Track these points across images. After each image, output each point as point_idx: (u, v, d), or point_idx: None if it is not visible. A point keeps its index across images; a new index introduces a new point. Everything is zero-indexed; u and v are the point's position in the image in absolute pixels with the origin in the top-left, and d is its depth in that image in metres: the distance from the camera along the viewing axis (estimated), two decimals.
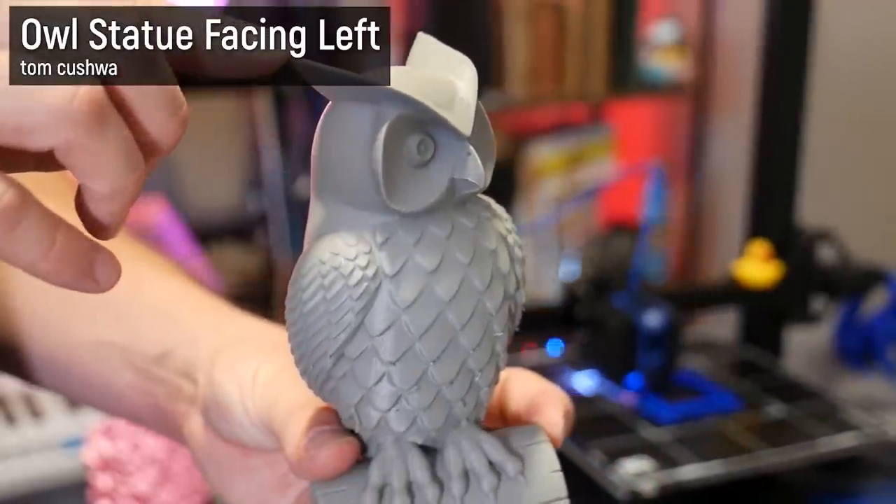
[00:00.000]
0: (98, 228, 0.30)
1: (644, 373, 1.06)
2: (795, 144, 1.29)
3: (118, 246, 0.51)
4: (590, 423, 1.04)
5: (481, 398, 0.35)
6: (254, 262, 2.25)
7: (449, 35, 1.19)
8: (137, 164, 0.29)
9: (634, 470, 0.93)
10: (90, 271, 0.29)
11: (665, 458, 0.96)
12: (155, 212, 1.90)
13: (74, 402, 1.06)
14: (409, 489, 0.34)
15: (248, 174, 2.33)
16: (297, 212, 2.14)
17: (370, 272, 0.32)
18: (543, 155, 2.12)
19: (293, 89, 2.10)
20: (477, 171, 0.32)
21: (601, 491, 0.93)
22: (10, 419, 1.34)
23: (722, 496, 0.98)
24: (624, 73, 2.11)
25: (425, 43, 0.34)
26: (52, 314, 0.49)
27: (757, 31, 1.29)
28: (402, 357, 0.33)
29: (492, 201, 0.36)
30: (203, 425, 0.44)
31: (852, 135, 2.16)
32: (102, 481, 1.13)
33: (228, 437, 0.42)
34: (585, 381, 1.10)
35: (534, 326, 1.16)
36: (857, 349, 1.71)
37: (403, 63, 0.33)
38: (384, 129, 0.31)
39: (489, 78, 1.84)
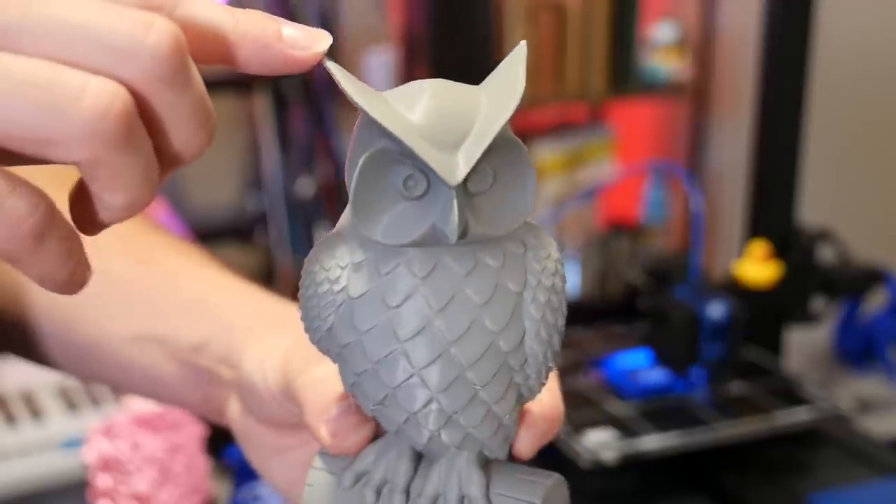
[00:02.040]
0: (93, 227, 0.28)
1: (706, 363, 1.07)
2: (795, 144, 1.29)
3: (153, 240, 0.52)
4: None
5: (505, 425, 0.34)
6: (254, 262, 2.25)
7: (449, 35, 1.18)
8: (156, 178, 0.27)
9: (598, 440, 0.97)
10: (80, 277, 0.28)
11: (627, 430, 1.00)
12: (155, 212, 1.90)
13: (114, 389, 1.06)
14: (382, 487, 0.35)
15: (248, 174, 2.33)
16: (297, 212, 2.14)
17: (337, 287, 0.32)
18: (543, 155, 2.12)
19: (293, 89, 2.10)
20: (452, 226, 0.30)
21: (567, 460, 0.97)
22: (10, 419, 1.34)
23: (681, 466, 1.02)
24: (624, 73, 2.11)
25: (516, 54, 0.32)
26: (87, 309, 0.50)
27: (757, 31, 1.29)
28: (406, 382, 0.32)
29: (539, 231, 0.34)
30: (241, 408, 0.45)
31: (852, 135, 2.16)
32: (102, 481, 1.13)
33: (259, 415, 0.44)
34: (649, 373, 1.11)
35: (597, 318, 1.19)
36: (857, 349, 1.71)
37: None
38: (364, 158, 0.30)
39: None
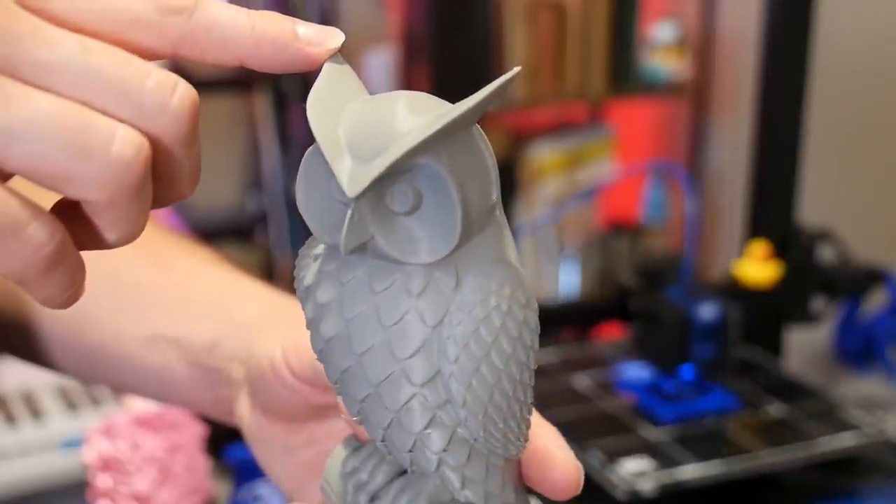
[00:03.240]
0: (89, 247, 0.29)
1: (697, 364, 1.07)
2: (795, 144, 1.29)
3: (164, 242, 0.53)
4: (589, 423, 1.04)
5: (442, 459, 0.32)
6: (254, 262, 2.25)
7: (449, 35, 1.18)
8: (147, 220, 0.29)
9: (634, 469, 0.93)
10: (74, 298, 0.29)
11: (664, 458, 0.96)
12: (154, 211, 1.90)
13: (123, 392, 1.07)
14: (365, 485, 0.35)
15: (248, 174, 2.33)
16: (297, 212, 2.13)
17: (305, 283, 0.33)
18: (543, 155, 2.12)
19: (293, 90, 2.10)
20: (342, 234, 0.29)
21: (601, 491, 0.93)
22: (10, 419, 1.34)
23: (721, 496, 0.98)
24: (624, 73, 2.11)
25: (504, 77, 0.30)
26: (100, 311, 0.50)
27: (757, 31, 1.29)
28: (336, 384, 0.33)
29: (501, 273, 0.31)
30: (250, 406, 0.45)
31: (852, 135, 2.16)
32: (102, 481, 1.13)
33: (268, 407, 0.44)
34: (638, 372, 1.10)
35: (583, 320, 1.18)
36: (857, 349, 1.71)
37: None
38: (306, 153, 0.31)
39: (489, 78, 1.83)
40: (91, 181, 0.26)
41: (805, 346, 1.72)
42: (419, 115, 0.29)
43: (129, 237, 0.29)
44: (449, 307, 0.30)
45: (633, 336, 1.15)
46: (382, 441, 0.32)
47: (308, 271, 0.33)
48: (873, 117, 2.18)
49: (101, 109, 0.26)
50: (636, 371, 1.10)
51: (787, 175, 1.30)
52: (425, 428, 0.31)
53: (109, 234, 0.28)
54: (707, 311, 1.05)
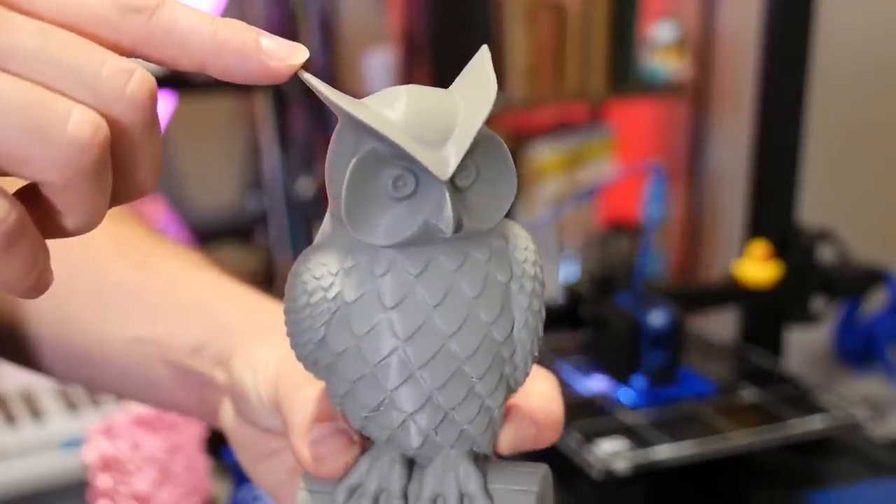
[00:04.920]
0: (49, 234, 0.29)
1: (648, 372, 1.06)
2: (795, 144, 1.29)
3: (150, 244, 0.53)
4: (569, 407, 1.05)
5: (495, 419, 0.35)
6: (254, 262, 2.25)
7: (449, 35, 1.18)
8: (105, 211, 0.29)
9: (610, 450, 0.96)
10: (43, 283, 0.29)
11: (640, 439, 0.99)
12: (155, 212, 1.90)
13: (112, 395, 1.07)
14: (378, 496, 0.35)
15: (248, 174, 2.33)
16: (297, 212, 2.14)
17: (331, 294, 0.33)
18: (543, 155, 2.12)
19: (294, 90, 2.10)
20: (447, 219, 0.30)
21: (578, 470, 0.95)
22: (10, 419, 1.34)
23: (694, 476, 1.00)
24: (624, 73, 2.11)
25: (480, 58, 0.33)
26: (84, 314, 0.50)
27: (757, 31, 1.29)
28: (405, 383, 0.33)
29: (513, 225, 0.35)
30: (234, 412, 0.46)
31: (852, 134, 2.16)
32: (102, 481, 1.13)
33: (249, 420, 0.44)
34: (589, 382, 1.10)
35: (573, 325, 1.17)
36: (857, 349, 1.71)
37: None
38: (353, 161, 0.31)
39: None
40: (47, 161, 0.26)
41: (805, 346, 1.72)
42: (453, 98, 0.32)
43: (89, 223, 0.28)
44: (510, 264, 0.33)
45: (583, 344, 1.14)
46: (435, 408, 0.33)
47: (337, 284, 0.33)
48: (873, 117, 2.18)
49: (58, 93, 0.26)
50: (589, 380, 1.10)
51: (787, 175, 1.30)
52: (498, 382, 0.34)
53: (68, 219, 0.28)
54: (657, 318, 1.05)
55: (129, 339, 0.49)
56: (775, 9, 1.24)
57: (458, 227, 0.31)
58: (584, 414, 1.03)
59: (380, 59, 1.96)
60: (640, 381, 1.06)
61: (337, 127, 0.32)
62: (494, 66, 0.32)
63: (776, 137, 1.29)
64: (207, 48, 0.29)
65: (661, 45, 2.14)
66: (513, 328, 0.34)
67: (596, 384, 1.09)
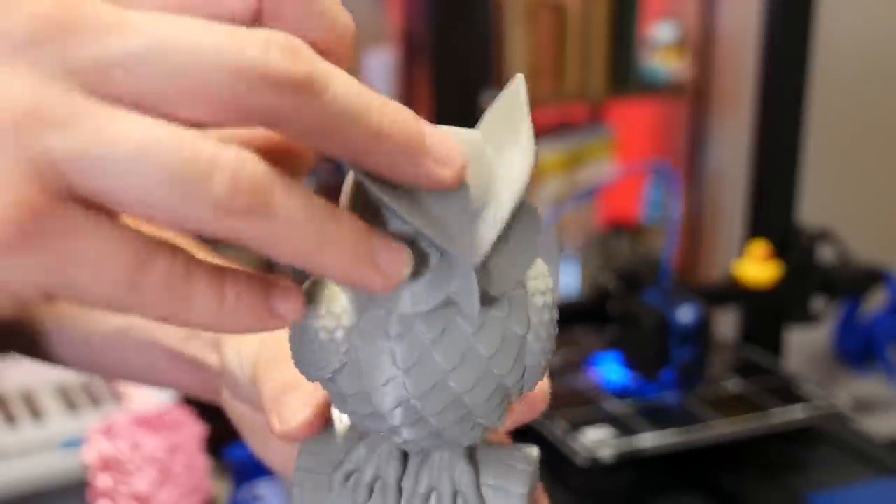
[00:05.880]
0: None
1: (676, 368, 1.07)
2: (795, 144, 1.29)
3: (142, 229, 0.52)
4: (556, 397, 1.06)
5: (491, 427, 0.34)
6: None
7: (449, 35, 1.18)
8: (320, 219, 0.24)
9: (595, 438, 0.97)
10: (271, 310, 0.26)
11: (625, 428, 1.00)
12: None
13: (118, 380, 1.07)
14: (373, 484, 0.35)
15: None
16: None
17: (342, 348, 0.31)
18: (543, 155, 2.12)
19: None
20: (473, 304, 0.28)
21: (564, 458, 0.97)
22: (10, 419, 1.34)
23: (679, 464, 1.02)
24: (624, 73, 2.11)
25: (514, 94, 0.29)
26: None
27: (757, 31, 1.29)
28: (400, 406, 0.32)
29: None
30: (231, 394, 0.46)
31: (852, 134, 2.16)
32: (102, 481, 1.13)
33: (245, 402, 0.44)
34: (617, 376, 1.11)
35: (565, 322, 1.18)
36: (857, 349, 1.71)
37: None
38: None
39: (489, 78, 1.84)
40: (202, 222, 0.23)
41: (805, 346, 1.72)
42: (486, 154, 0.29)
43: (300, 245, 0.24)
44: (528, 314, 0.32)
45: (611, 340, 1.15)
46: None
47: (346, 338, 0.31)
48: (873, 117, 2.18)
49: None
50: (616, 376, 1.11)
51: (787, 175, 1.30)
52: (499, 405, 0.33)
53: (272, 252, 0.24)
54: (686, 315, 1.05)
55: (124, 327, 0.50)
56: (775, 9, 1.24)
57: (483, 302, 0.29)
58: (571, 404, 1.05)
59: (380, 59, 1.96)
60: (669, 377, 1.07)
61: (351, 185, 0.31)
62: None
63: (776, 137, 1.29)
64: (367, 143, 0.24)
65: (661, 46, 2.14)
66: (524, 374, 0.32)
67: (624, 380, 1.10)
